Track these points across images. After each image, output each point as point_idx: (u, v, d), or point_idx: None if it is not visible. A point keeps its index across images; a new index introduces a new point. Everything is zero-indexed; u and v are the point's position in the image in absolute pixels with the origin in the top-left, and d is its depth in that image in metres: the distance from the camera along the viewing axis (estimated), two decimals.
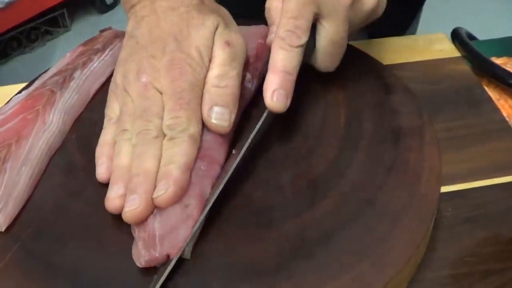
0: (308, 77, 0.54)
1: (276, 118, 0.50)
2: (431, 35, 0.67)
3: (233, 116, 0.45)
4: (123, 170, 0.43)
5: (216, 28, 0.47)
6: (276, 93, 0.44)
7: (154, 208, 0.41)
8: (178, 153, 0.42)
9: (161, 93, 0.44)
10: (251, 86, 0.50)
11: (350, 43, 0.59)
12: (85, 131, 0.52)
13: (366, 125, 0.49)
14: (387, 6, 0.52)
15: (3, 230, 0.44)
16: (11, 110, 0.51)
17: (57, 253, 0.42)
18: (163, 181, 0.41)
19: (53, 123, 0.51)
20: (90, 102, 0.55)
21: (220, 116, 0.44)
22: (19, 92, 0.54)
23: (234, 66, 0.46)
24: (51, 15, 2.50)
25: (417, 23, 0.87)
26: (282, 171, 0.45)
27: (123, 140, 0.45)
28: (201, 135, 0.44)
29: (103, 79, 0.56)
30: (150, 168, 0.42)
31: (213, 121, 0.44)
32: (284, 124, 0.50)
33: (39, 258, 0.42)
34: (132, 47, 0.48)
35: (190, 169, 0.42)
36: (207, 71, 0.46)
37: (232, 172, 0.43)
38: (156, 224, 0.40)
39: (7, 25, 2.34)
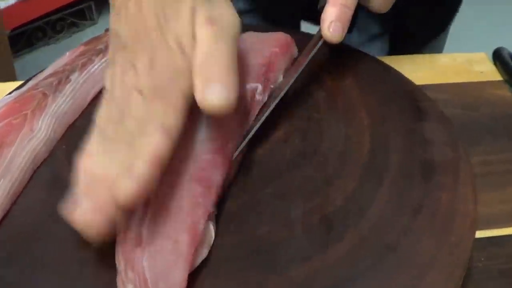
0: (330, 96, 0.48)
1: (288, 141, 0.44)
2: (470, 55, 0.61)
3: (233, 94, 0.37)
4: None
5: (194, 7, 0.41)
6: (333, 25, 0.46)
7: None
8: (145, 144, 0.36)
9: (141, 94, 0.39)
10: (262, 98, 0.44)
11: (380, 58, 0.53)
12: (77, 141, 0.46)
13: (393, 156, 0.43)
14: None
15: None
16: None
17: (28, 283, 0.36)
18: (126, 175, 0.35)
19: (41, 130, 0.45)
20: (86, 108, 0.49)
21: (218, 94, 0.37)
22: (11, 92, 0.49)
23: (221, 46, 0.39)
24: (78, 7, 2.48)
25: (445, 37, 0.81)
26: (292, 204, 0.39)
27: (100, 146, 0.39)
28: (198, 154, 0.38)
29: (102, 83, 0.51)
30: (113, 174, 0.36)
31: (209, 99, 0.37)
32: (298, 148, 0.44)
33: (11, 285, 0.37)
34: (115, 44, 0.42)
35: (160, 165, 0.36)
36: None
37: (234, 201, 0.38)
38: (144, 262, 0.35)
39: (33, 14, 2.32)
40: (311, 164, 0.42)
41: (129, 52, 0.41)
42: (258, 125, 0.43)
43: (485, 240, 0.43)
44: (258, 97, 0.44)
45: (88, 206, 0.36)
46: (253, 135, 0.44)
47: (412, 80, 0.51)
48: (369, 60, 0.53)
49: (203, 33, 0.40)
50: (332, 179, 0.41)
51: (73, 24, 2.55)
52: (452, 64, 0.60)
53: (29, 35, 2.40)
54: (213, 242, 0.37)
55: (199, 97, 0.37)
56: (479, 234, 0.43)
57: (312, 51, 0.47)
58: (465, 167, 0.41)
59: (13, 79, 1.72)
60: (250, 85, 0.44)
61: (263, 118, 0.44)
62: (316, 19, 0.57)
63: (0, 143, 0.43)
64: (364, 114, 0.46)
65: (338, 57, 0.53)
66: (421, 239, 0.37)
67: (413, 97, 0.48)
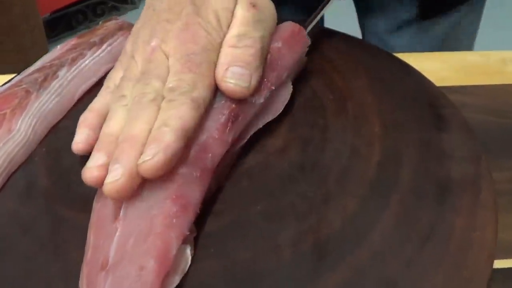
0: (339, 99, 0.43)
1: (286, 151, 0.39)
2: (505, 53, 0.55)
3: (256, 79, 0.38)
4: (111, 138, 0.36)
5: None
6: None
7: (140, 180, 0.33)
8: (174, 115, 0.34)
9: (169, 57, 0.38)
10: (255, 101, 0.39)
11: (402, 54, 0.48)
12: (59, 144, 0.42)
13: (405, 171, 0.37)
14: None
15: None
16: None
17: None
18: (152, 145, 0.33)
19: (20, 131, 0.41)
20: (72, 108, 0.45)
21: (239, 76, 0.37)
22: None
23: (258, 29, 0.40)
24: None
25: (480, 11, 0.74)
26: (282, 226, 0.35)
27: (119, 107, 0.37)
28: (177, 168, 0.34)
29: (93, 79, 0.47)
30: (139, 134, 0.34)
31: (229, 81, 0.37)
32: (297, 160, 0.39)
33: None
34: (148, 15, 0.42)
35: (187, 137, 0.34)
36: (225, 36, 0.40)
37: (217, 220, 0.33)
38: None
39: None
40: (309, 179, 0.37)
41: (163, 19, 0.40)
42: (251, 131, 0.39)
43: (505, 272, 0.37)
44: (251, 100, 0.39)
45: (120, 171, 0.33)
46: (247, 142, 0.39)
47: (437, 81, 0.45)
48: (386, 58, 0.47)
49: (243, 14, 0.40)
50: (331, 198, 0.36)
51: (114, 8, 2.55)
52: (484, 64, 0.54)
53: (69, 18, 2.40)
54: (189, 268, 0.33)
55: (219, 75, 0.37)
56: (498, 264, 0.37)
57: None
58: (487, 187, 0.36)
59: None
60: None
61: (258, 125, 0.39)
62: None
63: None
64: (376, 121, 0.41)
65: (350, 53, 0.48)
66: (427, 273, 0.32)
67: (433, 103, 0.42)
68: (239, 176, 0.38)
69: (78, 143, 0.39)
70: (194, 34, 0.38)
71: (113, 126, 0.37)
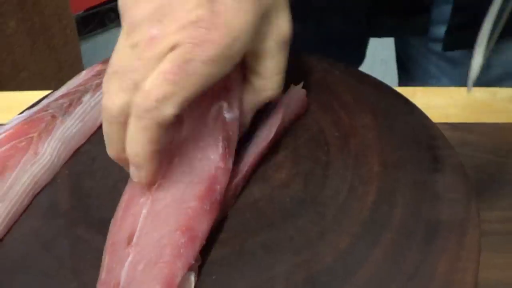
0: (343, 136, 0.46)
1: (289, 185, 0.42)
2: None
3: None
4: None
5: None
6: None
7: None
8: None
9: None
10: (233, 116, 0.42)
11: (397, 89, 0.50)
12: (80, 167, 0.46)
13: (397, 211, 0.40)
14: None
15: None
16: (4, 134, 0.45)
17: None
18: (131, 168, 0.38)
19: (45, 155, 0.45)
20: (94, 133, 0.49)
21: None
22: (23, 111, 0.49)
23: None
24: None
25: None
26: (279, 258, 0.38)
27: None
28: (185, 200, 0.37)
29: None
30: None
31: None
32: (298, 195, 0.42)
33: None
34: None
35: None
36: None
37: (221, 248, 0.37)
38: None
39: None
40: (308, 214, 0.40)
41: None
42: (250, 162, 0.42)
43: None
44: (228, 115, 0.41)
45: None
46: (253, 174, 0.42)
47: (443, 117, 0.48)
48: (392, 95, 0.50)
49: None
50: (326, 233, 0.39)
51: None
52: (490, 101, 0.56)
53: (102, 16, 2.44)
54: None
55: None
56: None
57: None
58: (473, 230, 0.38)
59: (79, 62, 1.75)
60: (212, 106, 0.42)
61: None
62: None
63: (3, 167, 0.43)
64: (375, 160, 0.44)
65: (359, 89, 0.50)
66: None
67: (432, 144, 0.45)
68: (244, 207, 0.41)
69: None
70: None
71: None
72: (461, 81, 0.73)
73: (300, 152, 0.45)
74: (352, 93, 0.50)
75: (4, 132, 0.46)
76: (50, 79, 1.57)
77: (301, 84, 0.48)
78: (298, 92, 0.48)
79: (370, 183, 0.42)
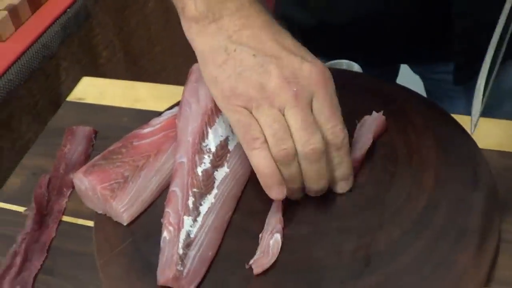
0: (409, 152, 0.60)
1: (364, 187, 0.57)
2: None
3: None
4: None
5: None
6: None
7: None
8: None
9: None
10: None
11: (460, 117, 0.63)
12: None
13: (439, 216, 0.54)
14: None
15: (125, 224, 0.57)
16: (159, 125, 0.63)
17: (156, 255, 0.53)
18: None
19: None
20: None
21: None
22: (171, 107, 0.67)
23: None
24: None
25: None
26: (348, 238, 0.53)
27: None
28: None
29: None
30: None
31: None
32: (369, 194, 0.57)
33: (144, 255, 0.54)
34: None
35: None
36: None
37: (306, 227, 0.53)
38: None
39: None
40: (373, 210, 0.55)
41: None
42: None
43: None
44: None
45: None
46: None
47: (493, 145, 0.61)
48: (453, 124, 0.63)
49: None
50: (384, 226, 0.54)
51: None
52: None
53: None
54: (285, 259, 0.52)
55: None
56: None
57: None
58: (492, 239, 0.52)
59: None
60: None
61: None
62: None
63: (158, 150, 0.61)
64: (431, 175, 0.58)
65: (429, 117, 0.64)
66: (433, 285, 0.49)
67: (476, 168, 0.58)
68: (326, 200, 0.56)
69: None
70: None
71: None
72: None
73: (375, 163, 0.60)
74: (422, 120, 0.64)
75: (159, 123, 0.63)
76: (178, 55, 1.73)
77: (381, 112, 0.63)
78: (379, 116, 0.62)
79: (424, 192, 0.56)
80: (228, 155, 0.58)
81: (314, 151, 0.51)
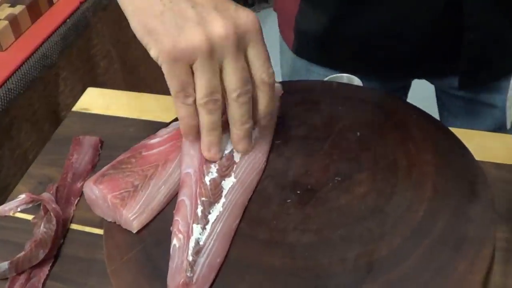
0: (409, 166, 0.62)
1: (365, 197, 0.59)
2: None
3: None
4: None
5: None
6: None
7: None
8: None
9: None
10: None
11: (459, 130, 0.66)
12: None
13: (438, 226, 0.56)
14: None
15: (134, 232, 0.59)
16: (166, 135, 0.65)
17: (166, 262, 0.55)
18: None
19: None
20: None
21: None
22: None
23: None
24: None
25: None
26: (351, 246, 0.55)
27: None
28: None
29: None
30: None
31: None
32: (372, 205, 0.59)
33: (153, 261, 0.56)
34: None
35: None
36: None
37: (314, 234, 0.55)
38: None
39: None
40: (375, 219, 0.57)
41: None
42: None
43: None
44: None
45: None
46: (342, 187, 0.60)
47: (491, 157, 0.64)
48: (452, 139, 0.66)
49: None
50: (385, 234, 0.56)
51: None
52: None
53: None
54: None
55: None
56: None
57: None
58: (488, 247, 0.54)
59: None
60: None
61: None
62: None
63: (166, 159, 0.63)
64: (430, 187, 0.60)
65: (428, 131, 0.66)
66: None
67: (473, 180, 0.61)
68: (331, 209, 0.58)
69: None
70: None
71: None
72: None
73: (377, 174, 0.62)
74: (422, 133, 0.66)
75: (166, 134, 0.65)
76: None
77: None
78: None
79: (423, 203, 0.59)
80: (235, 166, 0.60)
81: (246, 96, 0.56)
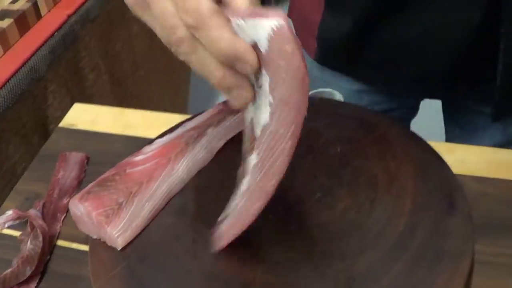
0: (389, 180, 0.63)
1: (345, 211, 0.60)
2: None
3: None
4: None
5: None
6: None
7: None
8: None
9: None
10: None
11: (439, 144, 0.67)
12: (201, 182, 0.66)
13: (417, 239, 0.57)
14: None
15: (119, 249, 0.60)
16: (151, 153, 0.66)
17: (153, 277, 0.56)
18: None
19: (179, 171, 0.65)
20: (214, 156, 0.68)
21: None
22: (161, 135, 0.70)
23: None
24: None
25: None
26: (332, 262, 0.56)
27: None
28: None
29: (228, 137, 0.70)
30: None
31: None
32: (352, 219, 0.60)
33: (138, 278, 0.57)
34: None
35: None
36: None
37: (281, 256, 0.56)
38: None
39: None
40: (355, 234, 0.58)
41: None
42: None
43: None
44: None
45: None
46: (323, 200, 0.61)
47: (470, 170, 0.65)
48: (430, 152, 0.67)
49: None
50: (366, 249, 0.57)
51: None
52: (507, 160, 0.72)
53: None
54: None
55: None
56: None
57: None
58: (467, 260, 0.55)
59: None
60: None
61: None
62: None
63: (150, 177, 0.63)
64: (409, 201, 0.61)
65: (406, 145, 0.67)
66: None
67: (451, 193, 0.62)
68: (313, 225, 0.59)
69: None
70: None
71: None
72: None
73: (358, 189, 0.63)
74: (401, 148, 0.67)
75: (150, 151, 0.66)
76: (161, 77, 1.77)
77: None
78: None
79: (402, 216, 0.60)
80: None
81: None
